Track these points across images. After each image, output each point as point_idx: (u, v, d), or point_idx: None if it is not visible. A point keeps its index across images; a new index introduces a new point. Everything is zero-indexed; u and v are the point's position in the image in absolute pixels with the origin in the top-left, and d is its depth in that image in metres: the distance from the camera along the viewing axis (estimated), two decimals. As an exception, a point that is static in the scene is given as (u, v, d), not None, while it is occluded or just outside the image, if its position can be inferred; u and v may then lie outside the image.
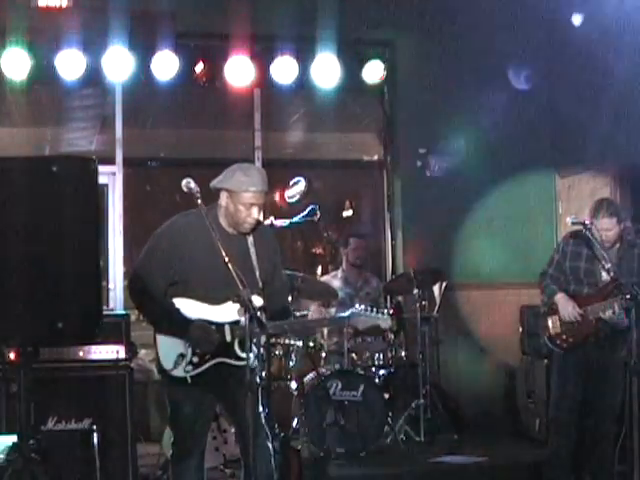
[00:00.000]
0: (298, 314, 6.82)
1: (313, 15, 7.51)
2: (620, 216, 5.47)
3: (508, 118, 8.28)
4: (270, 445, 4.32)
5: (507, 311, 7.90)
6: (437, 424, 7.03)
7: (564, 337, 5.54)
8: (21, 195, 3.30)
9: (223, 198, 4.40)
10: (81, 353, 5.45)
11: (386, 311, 4.82)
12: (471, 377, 7.99)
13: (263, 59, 7.70)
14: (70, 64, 7.18)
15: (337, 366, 6.73)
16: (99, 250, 3.62)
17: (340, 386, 6.50)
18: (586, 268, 5.53)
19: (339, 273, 7.52)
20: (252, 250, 4.44)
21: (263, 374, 4.28)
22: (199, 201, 4.25)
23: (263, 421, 4.26)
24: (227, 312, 4.30)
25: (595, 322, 5.43)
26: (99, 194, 3.56)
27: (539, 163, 8.39)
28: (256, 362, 4.11)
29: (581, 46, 7.75)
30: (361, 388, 6.51)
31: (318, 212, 6.16)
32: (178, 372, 4.37)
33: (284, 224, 6.07)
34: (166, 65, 7.38)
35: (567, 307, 5.48)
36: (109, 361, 5.49)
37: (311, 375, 6.51)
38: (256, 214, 4.39)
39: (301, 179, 6.38)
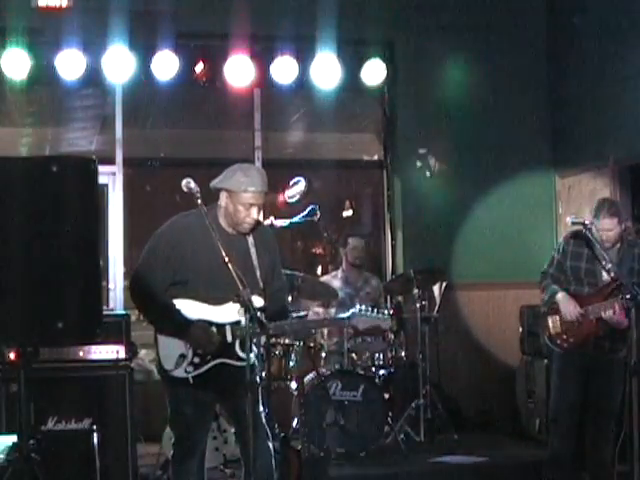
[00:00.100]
0: (295, 315, 6.81)
1: (313, 15, 7.51)
2: (621, 216, 5.48)
3: (508, 117, 8.29)
4: (270, 445, 4.33)
5: (507, 311, 7.91)
6: (437, 424, 7.04)
7: (564, 337, 5.54)
8: (21, 195, 3.29)
9: (223, 198, 4.40)
10: (81, 353, 5.44)
11: (386, 311, 4.82)
12: (471, 377, 8.00)
13: (263, 59, 7.70)
14: (70, 64, 7.19)
15: (337, 366, 6.73)
16: (99, 250, 3.61)
17: (340, 386, 6.50)
18: (587, 268, 5.53)
19: (339, 273, 7.51)
20: (252, 250, 4.44)
21: (263, 374, 4.29)
22: (199, 201, 4.25)
23: (264, 420, 4.27)
24: (228, 312, 4.30)
25: (596, 322, 5.42)
26: (99, 194, 3.55)
27: (539, 163, 8.40)
28: (256, 361, 4.11)
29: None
30: (361, 388, 6.51)
31: (318, 212, 6.15)
32: (179, 372, 4.37)
33: (284, 224, 6.07)
34: (166, 65, 7.38)
35: (568, 306, 5.47)
36: (109, 361, 5.48)
37: (311, 375, 6.51)
38: (255, 214, 4.39)
39: (301, 179, 6.36)
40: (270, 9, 7.61)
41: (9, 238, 3.27)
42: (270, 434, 4.35)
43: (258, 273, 4.41)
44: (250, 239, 4.46)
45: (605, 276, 5.48)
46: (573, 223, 5.48)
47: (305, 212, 6.20)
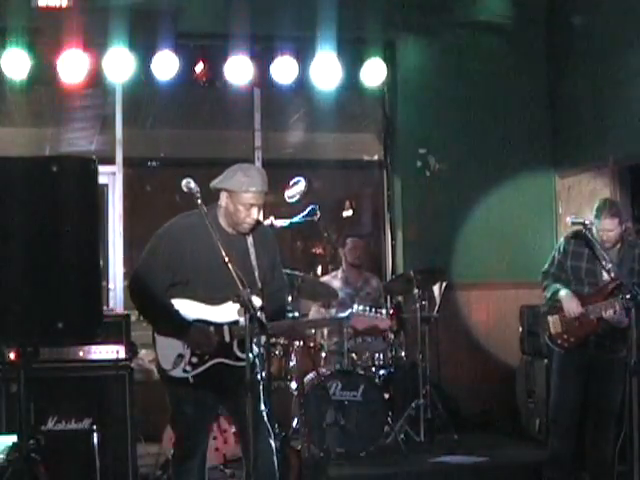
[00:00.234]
0: (292, 315, 6.80)
1: (313, 15, 7.51)
2: (622, 217, 5.49)
3: (508, 118, 8.29)
4: (272, 443, 4.33)
5: (507, 311, 7.91)
6: (437, 424, 7.04)
7: (565, 337, 5.54)
8: (21, 195, 3.29)
9: (223, 198, 4.39)
10: (81, 353, 5.44)
11: (384, 311, 4.82)
12: (471, 377, 7.99)
13: (263, 59, 7.69)
14: (70, 64, 7.18)
15: (337, 366, 6.73)
16: (99, 250, 3.61)
17: (340, 386, 6.50)
18: (587, 268, 5.53)
19: (339, 273, 7.51)
20: (252, 250, 4.44)
21: (263, 373, 4.29)
22: (199, 201, 4.25)
23: (265, 419, 4.27)
24: (227, 312, 4.29)
25: (596, 322, 5.42)
26: (99, 194, 3.55)
27: (539, 163, 8.40)
28: (257, 361, 4.11)
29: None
30: (361, 388, 6.51)
31: (318, 212, 6.15)
32: (177, 372, 4.37)
33: (284, 224, 6.06)
34: (166, 65, 7.38)
35: (571, 304, 5.46)
36: (109, 361, 5.49)
37: (311, 375, 6.51)
38: (255, 214, 4.39)
39: (301, 179, 6.35)
40: (270, 9, 7.61)
41: (9, 238, 3.27)
42: (272, 432, 4.35)
43: (257, 273, 4.41)
44: (250, 239, 4.46)
45: (605, 276, 5.48)
46: (573, 223, 5.49)
47: (305, 212, 6.19)
